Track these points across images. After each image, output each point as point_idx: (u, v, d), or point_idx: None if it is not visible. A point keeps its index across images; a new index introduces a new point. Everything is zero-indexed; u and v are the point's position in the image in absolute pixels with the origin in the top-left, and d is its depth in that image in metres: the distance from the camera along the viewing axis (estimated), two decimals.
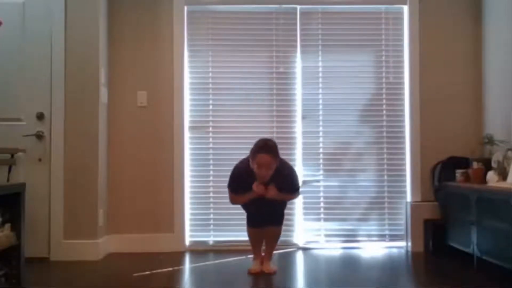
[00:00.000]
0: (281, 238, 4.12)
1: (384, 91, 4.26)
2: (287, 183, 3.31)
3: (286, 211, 4.13)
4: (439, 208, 4.01)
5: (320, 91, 4.24)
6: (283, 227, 4.13)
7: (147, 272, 3.34)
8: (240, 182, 3.30)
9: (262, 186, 3.22)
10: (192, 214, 4.17)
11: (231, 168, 3.42)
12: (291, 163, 4.17)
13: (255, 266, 3.36)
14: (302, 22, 4.24)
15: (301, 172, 4.20)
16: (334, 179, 4.24)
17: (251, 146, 4.13)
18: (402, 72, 4.26)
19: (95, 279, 3.22)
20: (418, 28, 4.21)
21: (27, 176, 3.71)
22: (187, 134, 4.16)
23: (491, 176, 3.53)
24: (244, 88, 4.19)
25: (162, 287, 3.03)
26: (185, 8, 4.18)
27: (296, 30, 4.24)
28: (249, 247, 3.48)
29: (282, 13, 4.25)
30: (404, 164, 4.23)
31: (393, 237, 4.20)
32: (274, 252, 3.48)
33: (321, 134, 4.23)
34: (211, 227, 4.17)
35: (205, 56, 4.22)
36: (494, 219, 3.18)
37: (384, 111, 4.26)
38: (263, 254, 3.44)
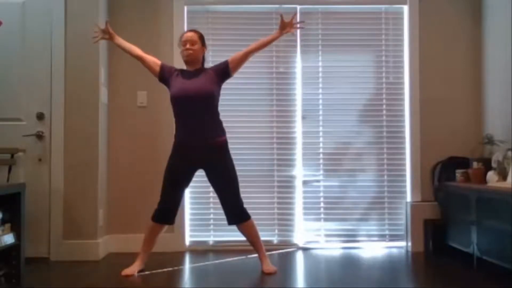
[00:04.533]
0: (281, 238, 4.16)
1: (384, 91, 4.26)
2: (213, 68, 3.41)
3: (286, 211, 4.17)
4: (439, 208, 4.01)
5: (320, 91, 4.24)
6: (283, 227, 4.18)
7: (147, 272, 3.34)
8: (171, 71, 3.40)
9: None
10: (192, 214, 4.17)
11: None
12: (291, 163, 4.20)
13: (133, 267, 3.34)
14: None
15: (301, 172, 4.20)
16: (334, 179, 4.24)
17: (251, 146, 4.16)
18: (402, 72, 4.26)
19: (95, 279, 3.22)
20: (418, 28, 4.21)
21: (27, 176, 3.72)
22: None
23: (491, 176, 3.53)
24: (244, 88, 4.19)
25: (162, 287, 3.03)
26: (185, 8, 4.19)
27: (296, 30, 4.22)
28: (249, 247, 3.48)
29: (282, 13, 4.23)
30: (404, 164, 4.23)
31: (393, 237, 4.20)
32: (274, 252, 3.47)
33: (321, 134, 4.23)
34: (211, 227, 4.17)
35: (205, 56, 4.21)
36: (494, 219, 3.18)
37: (384, 111, 4.26)
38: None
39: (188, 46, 3.31)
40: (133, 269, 3.30)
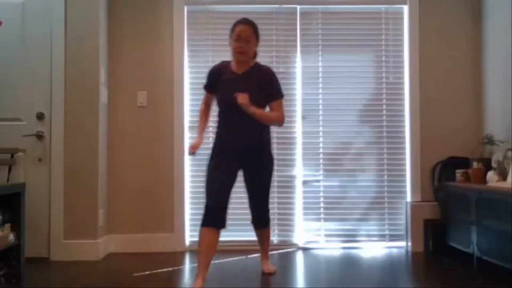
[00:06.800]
0: (281, 238, 4.16)
1: (384, 91, 4.26)
2: (268, 83, 3.05)
3: (286, 211, 4.17)
4: (439, 208, 4.01)
5: (320, 91, 4.24)
6: (283, 227, 4.18)
7: (147, 272, 3.34)
8: (214, 79, 3.10)
9: (246, 96, 2.88)
10: (192, 214, 4.17)
11: None
12: (291, 163, 4.20)
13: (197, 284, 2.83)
14: (302, 22, 4.25)
15: (301, 172, 4.20)
16: (334, 179, 4.24)
17: None
18: (402, 72, 4.26)
19: (95, 279, 3.22)
20: (418, 28, 4.21)
21: (27, 176, 3.72)
22: (187, 134, 4.16)
23: (491, 176, 3.53)
24: None
25: (162, 287, 3.03)
26: (185, 8, 4.19)
27: (296, 30, 4.24)
28: (249, 247, 3.48)
29: (282, 13, 4.25)
30: (404, 164, 4.23)
31: (393, 237, 4.20)
32: (274, 252, 3.48)
33: (321, 134, 4.23)
34: None
35: (205, 56, 4.22)
36: (494, 219, 3.18)
37: (384, 111, 4.26)
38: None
39: (242, 42, 2.97)
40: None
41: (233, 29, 3.03)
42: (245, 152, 3.05)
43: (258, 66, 3.12)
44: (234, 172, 3.04)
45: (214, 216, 2.88)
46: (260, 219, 3.25)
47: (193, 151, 3.05)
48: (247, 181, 3.17)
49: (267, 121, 3.05)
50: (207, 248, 2.88)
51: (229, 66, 3.10)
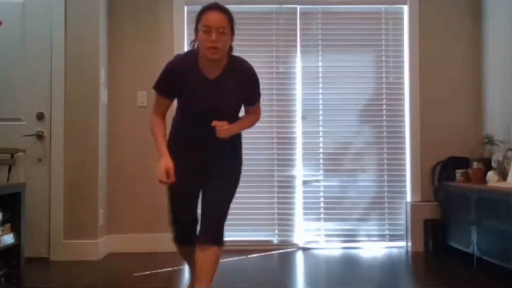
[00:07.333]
0: (281, 238, 4.15)
1: (384, 91, 4.26)
2: (249, 86, 2.43)
3: (286, 211, 4.17)
4: (439, 208, 4.01)
5: (320, 91, 4.24)
6: (283, 227, 4.17)
7: (147, 272, 3.34)
8: (176, 81, 2.36)
9: (224, 125, 2.31)
10: None
11: None
12: (291, 163, 4.20)
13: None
14: (302, 22, 4.24)
15: (301, 172, 4.20)
16: (334, 179, 4.24)
17: (251, 146, 4.12)
18: (402, 72, 4.26)
19: (95, 279, 3.22)
20: (418, 28, 4.21)
21: (27, 176, 3.71)
22: None
23: (491, 176, 3.53)
24: None
25: (162, 287, 3.03)
26: (185, 8, 4.19)
27: (296, 30, 4.24)
28: (249, 247, 3.47)
29: (282, 13, 4.25)
30: (404, 164, 4.23)
31: (393, 237, 4.20)
32: (274, 252, 3.47)
33: (321, 134, 4.23)
34: None
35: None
36: (494, 219, 3.18)
37: (384, 111, 4.26)
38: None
39: (214, 36, 2.19)
40: None
41: (199, 17, 2.26)
42: (210, 148, 2.47)
43: (233, 64, 2.36)
44: (198, 178, 2.51)
45: (186, 235, 2.54)
46: (210, 227, 2.37)
47: (171, 180, 2.38)
48: (207, 177, 2.49)
49: (244, 130, 2.64)
50: (191, 263, 2.59)
51: (197, 64, 2.35)
